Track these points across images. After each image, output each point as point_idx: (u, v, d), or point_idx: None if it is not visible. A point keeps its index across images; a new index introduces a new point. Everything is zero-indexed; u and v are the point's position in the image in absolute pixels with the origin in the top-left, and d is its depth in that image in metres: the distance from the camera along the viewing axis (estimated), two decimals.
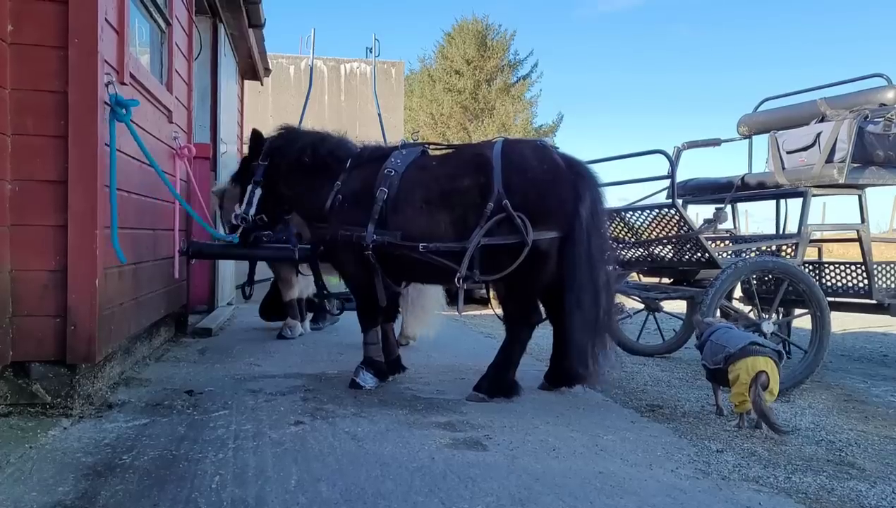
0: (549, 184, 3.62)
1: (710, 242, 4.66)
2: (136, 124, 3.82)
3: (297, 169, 4.07)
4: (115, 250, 3.25)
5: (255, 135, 4.31)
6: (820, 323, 4.27)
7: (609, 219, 5.06)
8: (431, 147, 4.19)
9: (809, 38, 66.67)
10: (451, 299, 5.06)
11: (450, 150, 4.20)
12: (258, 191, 4.14)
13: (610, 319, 3.73)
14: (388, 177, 3.78)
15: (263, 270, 5.91)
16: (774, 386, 3.22)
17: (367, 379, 3.94)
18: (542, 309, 3.90)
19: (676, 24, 67.23)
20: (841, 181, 4.46)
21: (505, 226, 3.55)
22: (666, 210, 4.53)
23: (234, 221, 4.32)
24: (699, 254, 4.53)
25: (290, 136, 4.23)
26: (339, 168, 3.98)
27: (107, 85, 3.23)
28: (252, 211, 4.14)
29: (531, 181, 3.61)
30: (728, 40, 66.73)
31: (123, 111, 3.33)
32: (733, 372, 3.26)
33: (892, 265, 4.91)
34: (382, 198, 3.74)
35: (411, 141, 4.64)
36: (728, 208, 5.24)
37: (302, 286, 5.86)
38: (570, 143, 60.78)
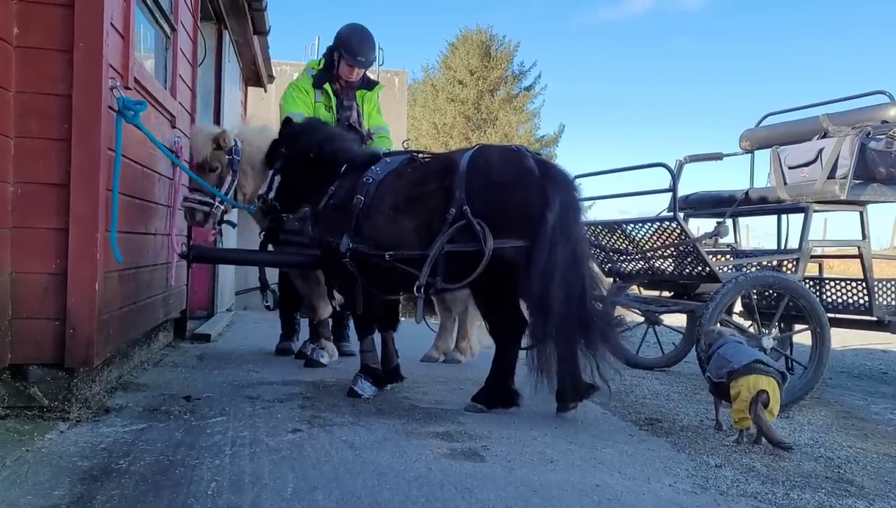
0: (511, 189, 3.50)
1: (710, 256, 4.66)
2: (141, 128, 3.83)
3: (303, 163, 4.12)
4: (112, 251, 3.24)
5: (286, 120, 4.36)
6: (820, 340, 4.27)
7: (609, 231, 5.07)
8: (420, 155, 4.14)
9: (812, 54, 66.98)
10: None
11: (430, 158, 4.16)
12: (277, 178, 4.23)
13: (593, 330, 3.50)
14: (365, 185, 3.78)
15: (253, 279, 5.61)
16: (775, 406, 3.19)
17: (365, 388, 3.93)
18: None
19: (677, 36, 67.53)
20: (842, 197, 4.46)
21: (468, 233, 3.46)
22: (667, 223, 4.53)
23: (255, 200, 4.40)
24: (700, 268, 4.53)
25: (305, 128, 4.27)
26: (337, 172, 4.00)
27: (111, 89, 3.24)
28: (271, 195, 4.24)
29: (492, 185, 3.50)
30: (730, 54, 67.06)
31: (132, 113, 3.34)
32: (735, 388, 3.23)
33: (892, 282, 4.91)
34: (358, 206, 3.74)
35: (403, 148, 4.63)
36: (729, 222, 5.24)
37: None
38: (573, 155, 60.81)
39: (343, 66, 5.02)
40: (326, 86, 5.07)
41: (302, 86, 5.07)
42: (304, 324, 5.42)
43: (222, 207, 4.60)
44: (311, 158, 4.09)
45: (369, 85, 5.29)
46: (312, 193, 4.10)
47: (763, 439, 3.21)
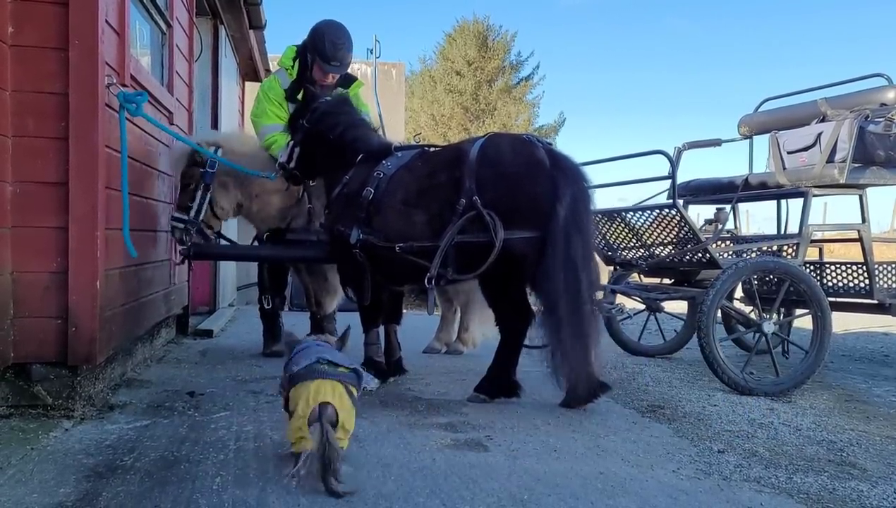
0: (521, 180, 3.47)
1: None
2: (137, 125, 3.83)
3: (323, 144, 4.09)
4: (126, 246, 3.25)
5: (310, 94, 4.31)
6: (821, 324, 4.26)
7: (609, 219, 5.07)
8: (431, 148, 4.13)
9: (810, 38, 66.70)
10: None
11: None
12: (297, 149, 4.21)
13: (593, 328, 3.48)
14: (375, 178, 3.78)
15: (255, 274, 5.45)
16: (348, 419, 2.41)
17: (368, 380, 3.92)
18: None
19: (669, 17, 67.16)
20: (842, 181, 4.45)
21: (478, 224, 3.44)
22: (667, 210, 4.53)
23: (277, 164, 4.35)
24: (700, 255, 4.53)
25: (330, 108, 4.19)
26: (353, 160, 3.97)
27: (108, 86, 3.24)
28: (291, 164, 4.24)
29: (502, 176, 3.47)
30: (724, 37, 66.77)
31: (134, 106, 3.34)
32: (292, 399, 2.45)
33: (893, 265, 4.91)
34: (368, 198, 3.74)
35: (413, 142, 4.57)
36: (728, 208, 5.24)
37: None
38: (573, 144, 60.69)
39: (317, 70, 4.66)
40: (300, 97, 4.66)
41: (274, 99, 4.74)
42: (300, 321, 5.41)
43: (197, 224, 4.42)
44: (331, 140, 4.06)
45: (346, 82, 4.88)
46: (326, 176, 4.13)
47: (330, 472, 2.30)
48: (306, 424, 2.32)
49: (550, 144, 3.72)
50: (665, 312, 5.40)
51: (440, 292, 5.16)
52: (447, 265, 3.53)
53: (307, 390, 2.38)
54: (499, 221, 3.38)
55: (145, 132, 4.05)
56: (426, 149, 4.02)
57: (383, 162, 3.85)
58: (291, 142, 4.24)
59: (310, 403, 2.35)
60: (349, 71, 4.92)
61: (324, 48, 4.56)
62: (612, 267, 5.34)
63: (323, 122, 4.12)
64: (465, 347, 5.26)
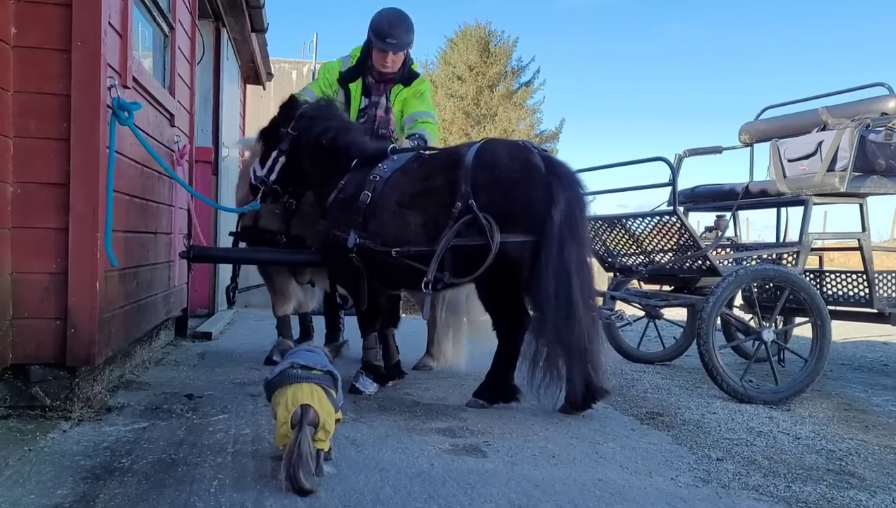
0: (516, 184, 3.49)
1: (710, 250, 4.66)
2: (138, 127, 3.83)
3: (315, 150, 4.08)
4: (107, 253, 3.22)
5: (291, 99, 4.28)
6: (821, 332, 4.26)
7: (609, 226, 5.07)
8: (427, 152, 4.11)
9: (811, 45, 66.83)
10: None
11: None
12: (281, 159, 4.20)
13: (590, 336, 3.42)
14: (372, 182, 3.78)
15: (255, 277, 5.37)
16: (328, 420, 2.44)
17: (367, 385, 3.94)
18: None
19: (670, 22, 67.14)
20: (842, 190, 4.46)
21: (474, 228, 3.45)
22: (667, 217, 4.53)
23: (253, 181, 4.34)
24: (700, 262, 4.53)
25: (319, 112, 4.18)
26: (348, 165, 3.97)
27: (109, 88, 3.24)
28: (273, 177, 4.21)
29: (497, 180, 3.48)
30: (725, 43, 66.81)
31: (126, 114, 3.33)
32: (273, 406, 2.54)
33: (892, 274, 4.92)
34: (365, 201, 3.74)
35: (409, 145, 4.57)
36: (729, 216, 5.25)
37: (302, 299, 5.15)
38: (573, 150, 60.55)
39: (375, 54, 4.50)
40: (354, 85, 4.63)
41: (327, 77, 4.66)
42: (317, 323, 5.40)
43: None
44: (324, 146, 4.04)
45: (407, 80, 4.69)
46: (320, 184, 4.10)
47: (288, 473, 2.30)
48: (290, 428, 2.38)
49: (546, 150, 3.74)
50: (665, 319, 5.40)
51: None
52: (444, 269, 3.54)
53: (285, 395, 2.45)
54: (495, 225, 3.40)
55: (146, 133, 4.05)
56: (422, 152, 4.01)
57: (379, 165, 3.85)
58: (274, 154, 4.19)
59: (289, 408, 2.40)
60: (417, 71, 4.77)
61: (379, 26, 4.41)
62: (611, 274, 5.34)
63: (313, 128, 4.10)
64: (434, 362, 4.89)
